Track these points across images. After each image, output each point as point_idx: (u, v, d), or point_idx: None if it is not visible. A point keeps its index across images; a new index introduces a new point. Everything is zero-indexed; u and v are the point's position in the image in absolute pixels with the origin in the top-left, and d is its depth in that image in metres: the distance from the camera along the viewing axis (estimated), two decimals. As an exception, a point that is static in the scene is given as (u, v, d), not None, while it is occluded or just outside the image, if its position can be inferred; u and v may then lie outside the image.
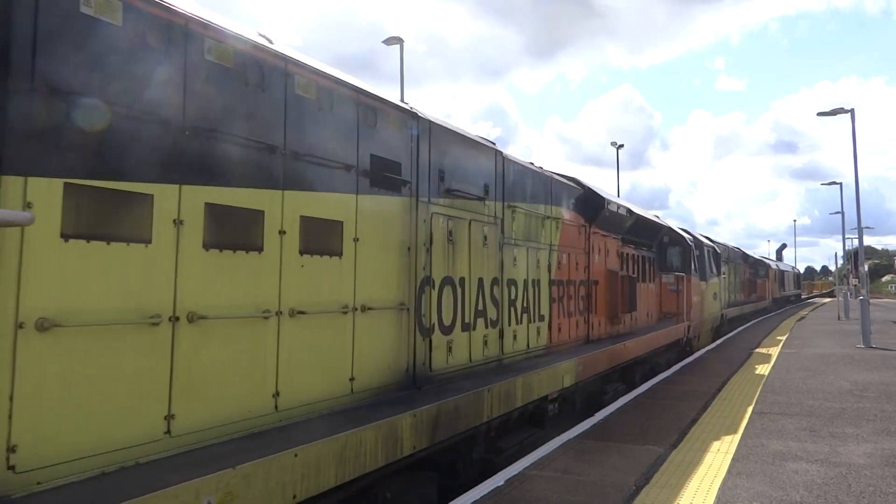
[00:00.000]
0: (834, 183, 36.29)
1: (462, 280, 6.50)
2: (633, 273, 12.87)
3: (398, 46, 20.90)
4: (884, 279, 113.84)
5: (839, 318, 30.83)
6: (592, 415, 8.65)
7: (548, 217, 8.86)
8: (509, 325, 7.53)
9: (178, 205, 3.55)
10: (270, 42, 4.41)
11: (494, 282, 7.16)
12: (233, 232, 3.92)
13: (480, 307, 6.84)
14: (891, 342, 19.22)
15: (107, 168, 3.18)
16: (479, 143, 7.19)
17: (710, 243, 20.81)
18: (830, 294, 78.41)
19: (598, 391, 9.86)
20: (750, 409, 9.09)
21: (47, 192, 2.94)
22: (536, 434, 7.38)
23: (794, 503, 5.30)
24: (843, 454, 6.77)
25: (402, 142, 5.68)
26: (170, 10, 3.55)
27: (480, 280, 6.86)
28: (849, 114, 20.61)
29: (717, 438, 7.43)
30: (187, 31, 3.65)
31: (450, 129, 6.53)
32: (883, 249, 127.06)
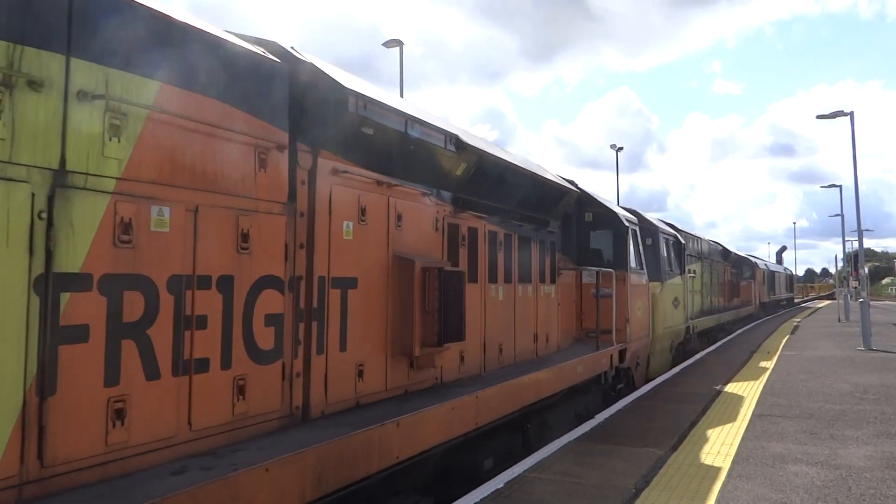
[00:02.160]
0: (833, 186, 36.85)
1: None
2: (508, 265, 7.65)
3: (397, 49, 20.94)
4: (884, 281, 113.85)
5: (839, 321, 30.77)
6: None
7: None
8: None
9: None
10: None
11: None
12: None
13: None
14: (891, 344, 19.13)
15: None
16: None
17: (671, 230, 15.75)
18: (830, 297, 78.47)
19: None
20: (750, 412, 9.07)
21: None
22: None
23: (795, 506, 5.28)
24: (844, 456, 6.75)
25: None
26: None
27: None
28: (848, 117, 20.65)
29: (717, 441, 7.41)
30: None
31: None
32: (883, 252, 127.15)
